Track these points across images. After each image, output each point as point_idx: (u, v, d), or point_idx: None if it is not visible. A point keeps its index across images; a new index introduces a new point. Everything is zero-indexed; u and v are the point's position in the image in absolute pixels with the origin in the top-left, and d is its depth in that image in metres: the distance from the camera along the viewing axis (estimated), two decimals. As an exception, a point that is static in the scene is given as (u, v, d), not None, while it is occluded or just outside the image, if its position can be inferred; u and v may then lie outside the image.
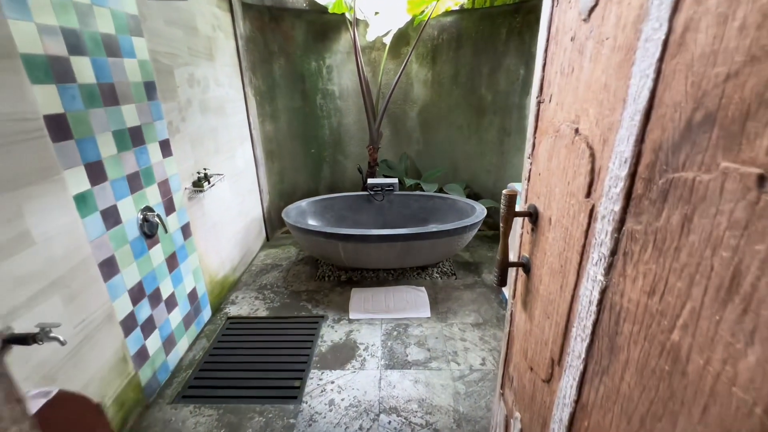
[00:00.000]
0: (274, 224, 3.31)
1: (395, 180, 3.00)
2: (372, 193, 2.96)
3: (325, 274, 2.64)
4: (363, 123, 3.34)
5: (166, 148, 1.76)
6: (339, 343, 1.98)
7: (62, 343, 1.03)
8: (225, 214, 2.41)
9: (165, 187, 1.75)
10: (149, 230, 1.61)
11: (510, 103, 3.12)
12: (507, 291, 2.26)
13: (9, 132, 1.04)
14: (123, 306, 1.48)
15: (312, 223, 2.84)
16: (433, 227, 2.33)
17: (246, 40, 2.69)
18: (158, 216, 1.62)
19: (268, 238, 3.22)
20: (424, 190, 3.04)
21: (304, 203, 2.83)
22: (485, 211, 2.57)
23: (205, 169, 2.07)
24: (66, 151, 1.22)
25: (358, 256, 2.46)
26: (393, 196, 3.00)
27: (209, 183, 2.05)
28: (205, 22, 2.16)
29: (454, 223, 2.39)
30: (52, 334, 1.03)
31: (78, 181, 1.27)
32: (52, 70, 1.18)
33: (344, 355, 1.90)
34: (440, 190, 3.14)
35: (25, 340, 1.02)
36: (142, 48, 1.60)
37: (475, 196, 3.43)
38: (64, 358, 1.20)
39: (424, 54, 3.14)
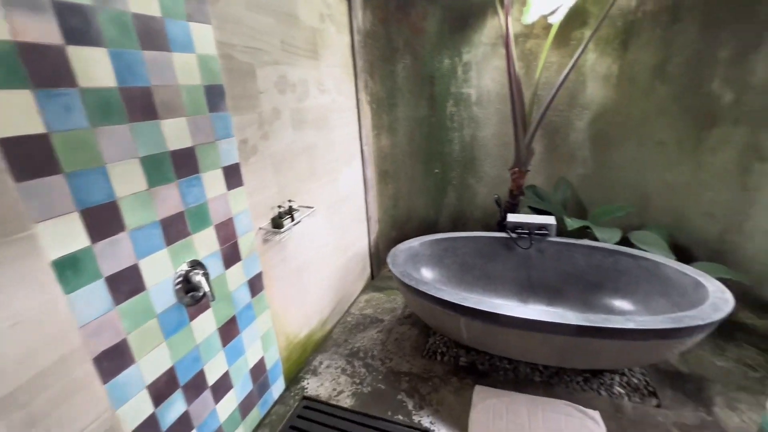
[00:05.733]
0: (381, 259, 2.72)
1: (551, 219, 2.06)
2: (514, 236, 2.09)
3: (438, 348, 1.89)
4: (506, 136, 2.49)
5: (233, 175, 1.29)
6: (448, 504, 1.20)
7: None
8: (317, 253, 1.89)
9: (226, 230, 1.28)
10: (192, 299, 1.13)
11: (773, 106, 1.84)
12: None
13: None
14: (136, 411, 1.01)
15: (426, 274, 2.12)
16: (628, 320, 1.35)
17: (364, 35, 2.16)
18: (204, 275, 1.13)
19: (373, 276, 2.64)
20: (597, 238, 2.01)
21: (416, 243, 2.14)
22: (730, 299, 1.44)
23: (290, 201, 1.56)
24: (43, 194, 0.78)
25: (489, 341, 1.64)
26: (546, 243, 2.07)
27: (293, 220, 1.53)
28: (310, 10, 1.67)
29: (668, 316, 1.36)
30: None
31: (64, 237, 0.83)
32: (26, 67, 0.74)
33: None
34: (624, 241, 2.06)
35: None
36: (206, 39, 1.14)
37: (679, 253, 2.20)
38: None
39: (610, 37, 2.12)
